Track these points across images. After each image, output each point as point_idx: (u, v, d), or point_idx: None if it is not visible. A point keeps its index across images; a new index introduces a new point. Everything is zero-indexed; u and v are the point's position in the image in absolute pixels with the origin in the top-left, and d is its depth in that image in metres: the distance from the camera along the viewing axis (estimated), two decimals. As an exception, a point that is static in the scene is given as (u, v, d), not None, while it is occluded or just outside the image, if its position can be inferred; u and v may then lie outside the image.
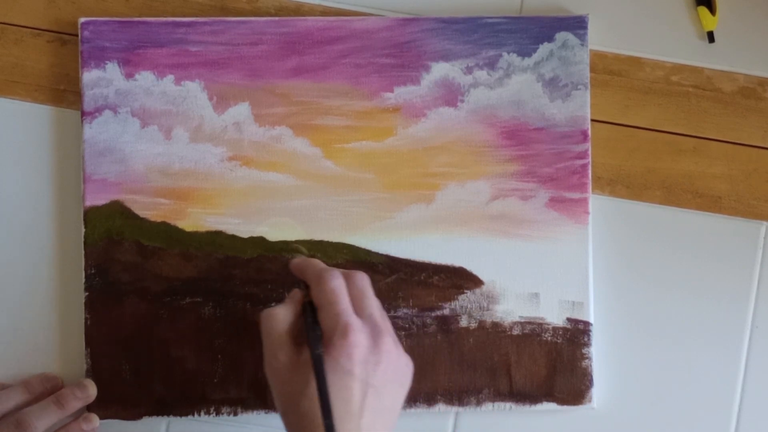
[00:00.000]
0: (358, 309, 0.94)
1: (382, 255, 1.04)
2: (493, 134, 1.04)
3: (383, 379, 0.92)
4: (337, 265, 1.03)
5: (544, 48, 1.04)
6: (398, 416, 0.95)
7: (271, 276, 1.03)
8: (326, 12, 1.05)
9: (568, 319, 1.04)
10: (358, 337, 0.92)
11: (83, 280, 1.03)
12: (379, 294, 1.03)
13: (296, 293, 0.96)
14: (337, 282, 0.94)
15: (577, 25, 1.04)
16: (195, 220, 1.03)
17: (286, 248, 1.03)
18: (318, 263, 0.97)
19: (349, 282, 0.95)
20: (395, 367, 0.94)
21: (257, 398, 1.03)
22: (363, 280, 0.96)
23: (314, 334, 0.92)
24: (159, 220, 1.03)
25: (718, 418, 1.05)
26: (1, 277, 1.03)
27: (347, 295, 0.94)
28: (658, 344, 1.05)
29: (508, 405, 1.04)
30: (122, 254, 1.03)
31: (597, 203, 1.05)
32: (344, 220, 1.04)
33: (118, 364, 1.02)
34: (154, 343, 1.03)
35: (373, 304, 0.95)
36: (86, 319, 1.02)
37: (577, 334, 1.04)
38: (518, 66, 1.04)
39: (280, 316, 0.94)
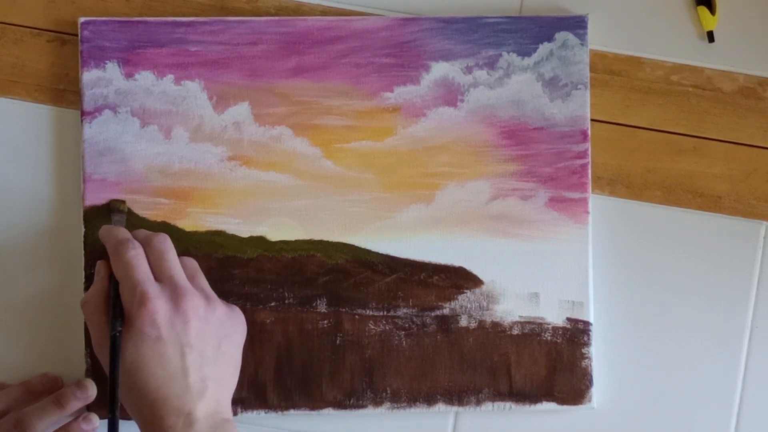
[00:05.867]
0: (158, 274, 0.96)
1: (382, 255, 1.04)
2: (493, 134, 1.04)
3: (198, 335, 0.95)
4: (337, 266, 1.03)
5: (543, 48, 1.04)
6: (235, 365, 0.97)
7: (271, 276, 1.03)
8: (326, 12, 1.05)
9: (568, 319, 1.04)
10: (156, 303, 0.94)
11: (83, 280, 1.02)
12: (379, 294, 1.03)
13: (101, 267, 0.98)
14: (132, 252, 0.96)
15: (576, 24, 1.04)
16: (195, 220, 1.03)
17: (286, 247, 1.03)
18: (119, 233, 0.98)
19: (148, 248, 0.97)
20: (210, 321, 0.96)
21: (257, 398, 1.03)
22: (161, 242, 0.97)
23: (114, 311, 0.95)
24: (159, 220, 1.03)
25: (718, 418, 1.05)
26: (1, 276, 1.03)
27: (146, 263, 0.96)
28: (658, 344, 1.05)
29: (508, 405, 1.04)
30: (122, 254, 1.03)
31: (597, 203, 1.05)
32: (344, 220, 1.04)
33: (118, 363, 1.03)
34: (154, 343, 1.03)
35: (173, 266, 0.97)
36: (86, 318, 1.02)
37: (576, 333, 1.04)
38: (518, 66, 1.04)
39: (91, 301, 0.97)
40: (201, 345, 0.95)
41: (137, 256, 0.96)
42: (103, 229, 1.00)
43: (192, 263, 0.99)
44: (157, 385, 0.93)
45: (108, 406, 0.93)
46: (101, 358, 0.96)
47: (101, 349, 0.96)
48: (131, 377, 0.93)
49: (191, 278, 0.98)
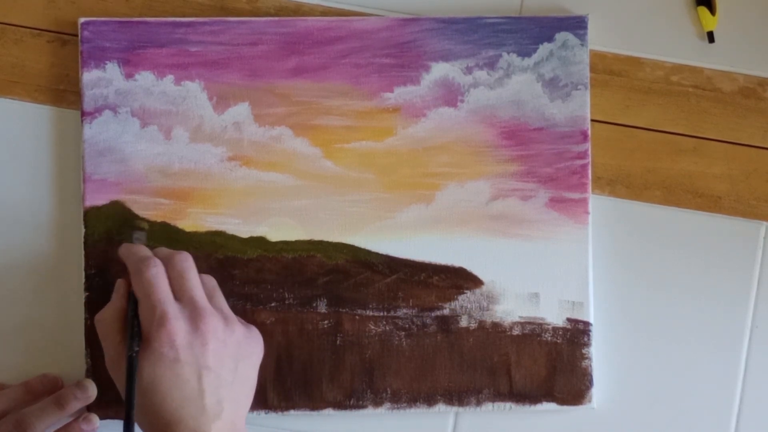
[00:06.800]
0: (178, 293, 0.96)
1: (382, 255, 1.04)
2: (493, 134, 1.04)
3: (216, 357, 0.94)
4: (337, 266, 1.03)
5: (544, 48, 1.04)
6: (251, 386, 0.97)
7: (271, 276, 1.03)
8: (326, 12, 1.05)
9: (568, 319, 1.04)
10: (175, 324, 0.93)
11: (83, 280, 1.02)
12: (379, 294, 1.03)
13: (120, 285, 0.98)
14: (153, 271, 0.95)
15: (577, 25, 1.04)
16: (195, 220, 1.03)
17: (286, 247, 1.04)
18: (139, 251, 0.98)
19: (169, 266, 0.96)
20: (228, 343, 0.95)
21: (257, 398, 1.03)
22: (183, 261, 0.97)
23: (132, 330, 0.94)
24: (159, 220, 1.03)
25: (718, 418, 1.05)
26: (2, 277, 1.03)
27: (166, 282, 0.95)
28: (658, 344, 1.05)
29: (508, 405, 1.04)
30: (122, 254, 1.03)
31: (597, 203, 1.05)
32: (344, 220, 1.04)
33: (118, 364, 1.02)
34: (154, 343, 1.03)
35: (194, 286, 0.96)
36: (86, 319, 1.02)
37: (577, 334, 1.04)
38: (518, 66, 1.04)
39: (108, 319, 0.96)
40: (218, 367, 0.94)
41: (158, 275, 0.95)
42: (123, 247, 0.99)
43: (211, 281, 0.99)
44: (173, 407, 0.93)
45: (123, 426, 0.92)
46: (115, 377, 0.96)
47: (115, 366, 0.95)
48: (147, 398, 0.93)
49: (210, 298, 0.97)
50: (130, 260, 0.97)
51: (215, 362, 0.94)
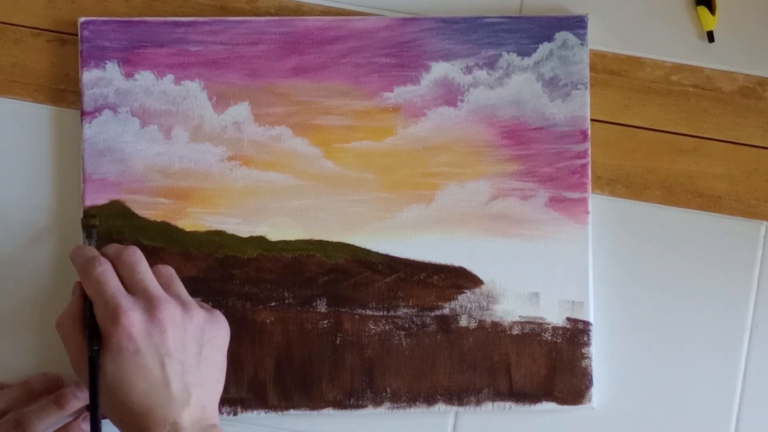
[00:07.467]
0: (130, 287, 0.95)
1: (382, 255, 1.04)
2: (493, 134, 1.04)
3: (177, 343, 0.94)
4: (337, 266, 1.03)
5: (543, 48, 1.04)
6: (220, 370, 0.96)
7: (271, 276, 1.03)
8: (326, 12, 1.05)
9: (568, 319, 1.04)
10: (131, 316, 0.93)
11: (83, 280, 1.03)
12: (379, 293, 1.03)
13: (77, 287, 0.97)
14: (100, 269, 0.95)
15: (576, 24, 1.04)
16: (195, 219, 1.03)
17: (286, 247, 1.03)
18: (85, 252, 0.97)
19: (118, 262, 0.96)
20: (188, 328, 0.95)
21: (257, 398, 1.03)
22: (131, 255, 0.97)
23: (90, 331, 0.94)
24: (159, 219, 1.03)
25: (718, 418, 1.05)
26: (1, 277, 1.03)
27: (115, 278, 0.95)
28: (658, 344, 1.05)
29: (507, 405, 1.04)
30: (122, 254, 1.03)
31: (597, 203, 1.05)
32: (344, 220, 1.04)
33: (118, 363, 1.02)
34: (154, 343, 1.03)
35: (145, 277, 0.96)
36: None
37: (576, 333, 1.04)
38: (518, 66, 1.04)
39: (67, 321, 0.96)
40: (180, 353, 0.94)
41: (105, 271, 0.95)
42: (72, 250, 0.99)
43: (167, 270, 0.98)
44: (140, 398, 0.92)
45: (90, 426, 0.93)
46: (82, 378, 0.95)
47: (80, 367, 0.95)
48: (114, 393, 0.93)
49: (167, 286, 0.97)
50: (77, 263, 0.97)
51: (176, 349, 0.94)
